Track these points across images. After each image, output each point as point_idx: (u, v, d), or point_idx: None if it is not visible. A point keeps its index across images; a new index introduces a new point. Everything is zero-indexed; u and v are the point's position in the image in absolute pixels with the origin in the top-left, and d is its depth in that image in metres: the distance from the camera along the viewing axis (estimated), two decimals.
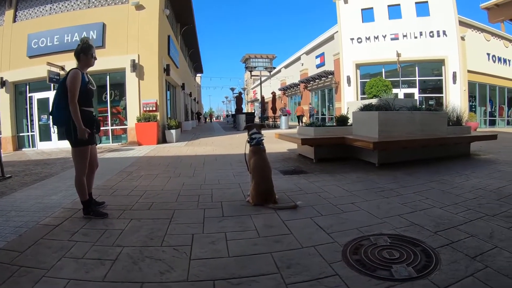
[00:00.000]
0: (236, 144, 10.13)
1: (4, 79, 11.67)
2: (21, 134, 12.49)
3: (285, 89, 30.22)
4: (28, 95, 12.10)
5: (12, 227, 2.89)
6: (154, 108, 11.35)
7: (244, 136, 11.18)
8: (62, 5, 11.90)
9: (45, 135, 12.00)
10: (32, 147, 12.20)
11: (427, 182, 4.16)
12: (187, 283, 1.83)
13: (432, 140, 5.70)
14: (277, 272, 1.91)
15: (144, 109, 11.29)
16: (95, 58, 3.19)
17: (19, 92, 12.44)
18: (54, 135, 11.67)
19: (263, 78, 37.40)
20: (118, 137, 12.09)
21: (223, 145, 10.16)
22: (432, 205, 3.15)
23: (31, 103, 12.14)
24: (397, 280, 1.80)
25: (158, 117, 11.30)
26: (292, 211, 3.06)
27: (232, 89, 27.56)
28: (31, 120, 12.22)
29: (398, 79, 16.86)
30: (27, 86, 12.14)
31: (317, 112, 23.62)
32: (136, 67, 11.00)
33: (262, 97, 22.02)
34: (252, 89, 43.32)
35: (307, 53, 25.48)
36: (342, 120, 6.84)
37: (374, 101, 6.83)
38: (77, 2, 11.83)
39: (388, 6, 16.99)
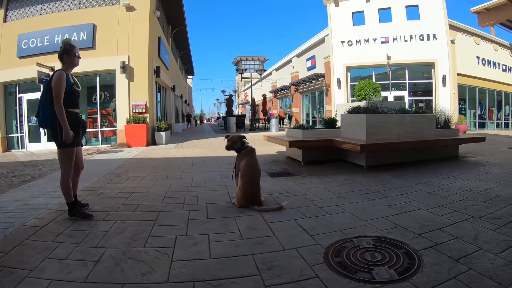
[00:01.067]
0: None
1: None
2: (10, 135, 12.36)
3: (276, 91, 30.37)
4: (18, 95, 11.97)
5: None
6: (143, 110, 11.33)
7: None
8: (53, 6, 11.82)
9: (34, 137, 11.84)
10: (22, 149, 12.04)
11: (414, 184, 4.22)
12: (168, 284, 1.87)
13: (419, 143, 5.80)
14: (257, 274, 1.96)
15: (134, 110, 11.26)
16: (79, 57, 3.23)
17: (8, 92, 12.32)
18: (44, 136, 11.52)
19: (254, 81, 37.58)
20: (107, 139, 12.03)
21: (212, 147, 10.20)
22: (418, 207, 3.20)
23: (20, 104, 12.00)
24: (378, 283, 1.82)
25: (148, 119, 11.27)
26: (277, 213, 3.12)
27: (223, 91, 27.54)
28: (21, 121, 12.08)
29: (388, 82, 17.12)
30: (17, 87, 12.03)
31: (307, 115, 23.98)
32: (126, 68, 10.98)
33: (253, 100, 22.10)
34: (243, 91, 43.45)
35: (298, 55, 25.73)
36: (330, 123, 6.91)
37: (363, 103, 6.93)
38: (68, 2, 11.77)
39: (379, 9, 17.26)
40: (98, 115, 11.74)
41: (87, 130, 10.81)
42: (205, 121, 70.47)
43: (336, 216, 3.02)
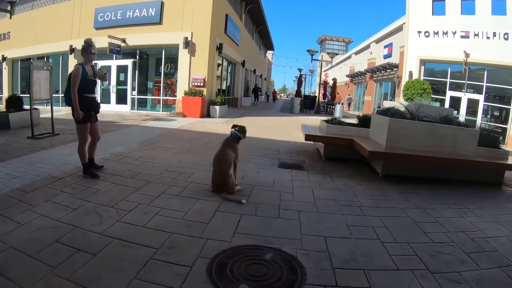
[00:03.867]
0: (274, 127, 10.50)
1: (73, 47, 14.07)
2: None
3: (353, 76, 29.11)
4: (94, 61, 14.20)
5: (32, 175, 4.04)
6: (201, 84, 12.43)
7: (291, 119, 11.49)
8: None
9: (105, 99, 14.11)
10: None
11: (410, 208, 3.80)
12: (100, 236, 2.56)
13: (446, 160, 5.14)
14: (158, 248, 2.40)
15: (193, 84, 12.46)
16: (95, 54, 4.19)
17: None
18: (113, 99, 13.76)
19: (335, 62, 36.32)
20: (169, 106, 13.60)
21: (260, 127, 10.67)
22: (377, 237, 2.92)
23: None
24: None
25: (205, 93, 12.37)
26: (236, 205, 3.44)
27: (300, 70, 27.50)
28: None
29: (464, 82, 14.99)
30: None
31: (379, 106, 22.52)
32: (188, 44, 12.12)
33: (325, 82, 21.74)
34: (324, 71, 42.56)
35: (377, 41, 24.26)
36: (364, 120, 6.66)
37: (402, 105, 6.57)
38: None
39: None
40: (161, 85, 13.36)
41: (153, 97, 12.27)
42: (282, 96, 70.84)
43: (282, 222, 3.09)
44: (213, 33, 12.56)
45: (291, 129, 10.33)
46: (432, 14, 15.74)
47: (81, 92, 3.91)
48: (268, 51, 42.59)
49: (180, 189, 3.82)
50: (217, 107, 12.72)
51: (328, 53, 20.91)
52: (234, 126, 4.02)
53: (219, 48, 13.41)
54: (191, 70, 12.47)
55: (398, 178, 5.07)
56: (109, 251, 2.36)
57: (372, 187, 4.61)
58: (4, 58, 17.02)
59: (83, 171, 4.12)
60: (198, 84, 12.45)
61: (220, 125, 10.32)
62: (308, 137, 6.04)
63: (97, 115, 4.32)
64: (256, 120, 13.20)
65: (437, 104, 14.96)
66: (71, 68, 13.95)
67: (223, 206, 3.37)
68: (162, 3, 12.51)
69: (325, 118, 7.45)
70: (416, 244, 2.82)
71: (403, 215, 3.58)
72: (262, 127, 10.65)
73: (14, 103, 8.30)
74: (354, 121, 7.19)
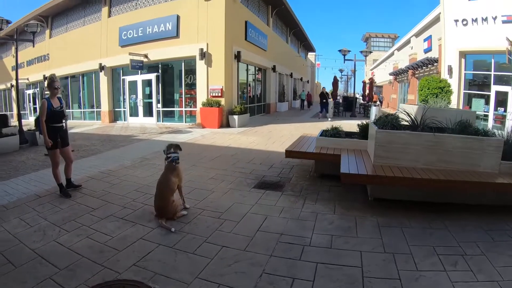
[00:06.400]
0: (289, 137, 10.39)
1: (103, 65, 15.88)
2: (116, 109, 16.79)
3: (396, 74, 27.69)
4: (122, 77, 15.93)
5: (21, 192, 4.94)
6: (219, 94, 13.03)
7: (317, 126, 10.78)
8: (145, 0, 14.77)
9: (134, 111, 15.54)
10: (124, 121, 16.25)
11: (374, 252, 3.13)
12: (31, 252, 3.07)
13: (448, 182, 4.08)
14: (61, 269, 2.81)
15: (211, 94, 13.14)
16: (58, 88, 4.83)
17: (115, 75, 16.52)
18: (140, 112, 15.05)
19: (380, 59, 34.87)
20: (193, 117, 14.45)
21: (275, 136, 10.81)
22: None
23: (123, 85, 16.00)
24: None
25: (223, 102, 12.95)
26: (168, 232, 3.57)
27: (341, 71, 27.05)
28: (123, 99, 16.16)
29: (510, 74, 13.26)
30: (121, 71, 16.06)
31: None
32: (204, 55, 12.85)
33: (363, 83, 21.15)
34: (371, 70, 41.13)
35: (416, 35, 22.71)
36: (363, 130, 6.23)
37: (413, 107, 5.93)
38: None
39: None
40: (183, 96, 14.30)
41: (176, 108, 13.19)
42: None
43: (190, 258, 3.03)
44: (228, 42, 13.12)
45: None
46: None
47: (49, 122, 4.65)
48: (310, 53, 42.30)
49: (129, 211, 4.20)
50: (236, 117, 13.17)
51: (361, 52, 20.13)
52: (169, 147, 4.15)
53: (238, 56, 13.91)
54: (209, 80, 13.17)
55: (393, 202, 4.46)
56: (27, 266, 2.88)
57: (346, 217, 4.02)
58: (45, 78, 19.46)
59: (59, 191, 4.80)
60: (216, 94, 13.06)
61: (231, 137, 10.70)
62: (288, 153, 5.88)
63: (68, 140, 5.10)
64: (277, 128, 13.32)
65: (482, 101, 13.70)
66: (102, 85, 16.25)
67: (151, 234, 3.55)
68: (178, 17, 13.47)
69: (359, 122, 6.61)
70: None
71: (353, 264, 2.91)
72: (277, 137, 10.74)
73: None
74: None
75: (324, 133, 6.58)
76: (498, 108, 13.07)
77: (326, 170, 5.95)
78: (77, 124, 9.74)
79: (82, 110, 18.71)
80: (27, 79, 21.08)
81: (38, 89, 21.89)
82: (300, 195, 4.87)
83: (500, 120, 13.01)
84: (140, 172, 6.21)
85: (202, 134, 11.13)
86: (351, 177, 4.36)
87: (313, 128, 13.03)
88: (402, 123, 5.30)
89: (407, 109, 5.87)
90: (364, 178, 4.41)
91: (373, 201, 4.58)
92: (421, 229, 3.68)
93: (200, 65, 13.12)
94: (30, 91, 22.63)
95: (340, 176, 4.34)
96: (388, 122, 5.18)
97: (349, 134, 6.69)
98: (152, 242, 3.38)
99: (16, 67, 10.55)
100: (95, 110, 17.67)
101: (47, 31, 19.53)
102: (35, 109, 22.62)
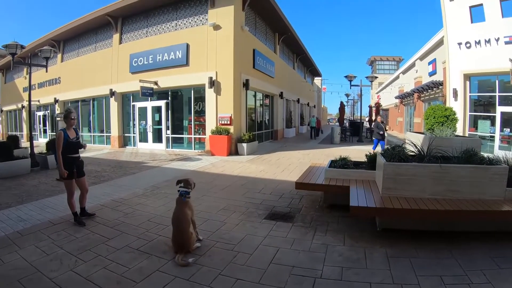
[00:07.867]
0: (298, 164, 10.64)
1: (113, 90, 16.56)
2: (126, 135, 17.25)
3: (402, 97, 28.12)
4: (132, 103, 16.47)
5: (35, 219, 5.13)
6: (228, 122, 13.36)
7: (325, 152, 10.98)
8: (156, 28, 15.47)
9: (143, 137, 15.92)
10: (134, 146, 16.63)
11: (382, 283, 3.25)
12: (49, 281, 3.22)
13: (455, 213, 4.32)
14: None
15: (220, 122, 13.48)
16: (74, 119, 5.11)
17: (125, 100, 17.10)
18: (150, 138, 15.43)
19: (386, 83, 35.40)
20: (202, 144, 14.75)
21: (283, 165, 10.99)
22: None
23: (133, 110, 16.54)
24: None
25: (232, 130, 13.25)
26: (184, 268, 3.58)
27: (347, 95, 27.50)
28: (133, 124, 16.63)
29: None
30: (131, 97, 16.63)
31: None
32: (213, 83, 13.31)
33: (370, 107, 21.47)
34: (376, 93, 41.78)
35: (421, 58, 23.55)
36: (371, 161, 6.34)
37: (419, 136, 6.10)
38: (166, 25, 15.12)
39: (501, 0, 13.78)
40: (193, 123, 14.64)
41: (185, 135, 13.60)
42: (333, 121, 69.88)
43: None
44: (237, 71, 13.61)
45: None
46: (471, 22, 14.84)
47: (65, 153, 4.90)
48: (316, 78, 43.14)
49: (144, 242, 4.33)
50: (245, 145, 13.43)
51: (367, 77, 20.63)
52: (178, 182, 4.21)
53: (246, 85, 14.35)
54: (218, 108, 13.54)
55: (402, 232, 4.57)
56: None
57: (355, 248, 4.14)
58: (56, 101, 20.52)
59: (74, 219, 4.98)
60: (225, 122, 13.39)
61: (240, 165, 10.88)
62: (299, 185, 6.05)
63: (84, 169, 5.32)
64: (286, 155, 13.48)
65: (488, 123, 13.81)
66: (112, 110, 16.92)
67: (167, 266, 3.62)
68: (188, 45, 14.05)
69: (366, 148, 6.93)
70: None
71: None
72: (286, 165, 10.91)
73: (53, 145, 9.96)
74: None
75: (333, 164, 6.73)
76: (504, 128, 13.39)
77: (335, 201, 6.09)
78: (87, 148, 9.94)
79: (91, 134, 19.22)
80: (38, 101, 21.86)
81: (48, 111, 22.72)
82: (310, 226, 4.96)
83: (507, 140, 13.29)
84: (152, 201, 6.38)
85: (212, 162, 11.34)
86: (361, 210, 4.49)
87: (320, 155, 13.31)
88: (409, 152, 5.48)
89: (413, 139, 6.02)
90: (373, 211, 4.56)
91: (381, 231, 4.68)
92: (429, 259, 3.78)
93: (209, 93, 13.55)
94: (41, 113, 23.38)
95: (350, 209, 4.46)
96: (396, 154, 5.33)
97: (357, 164, 6.84)
98: (169, 274, 3.47)
99: (29, 91, 11.03)
100: (104, 134, 18.17)
101: (59, 55, 20.41)
102: (45, 130, 23.41)
